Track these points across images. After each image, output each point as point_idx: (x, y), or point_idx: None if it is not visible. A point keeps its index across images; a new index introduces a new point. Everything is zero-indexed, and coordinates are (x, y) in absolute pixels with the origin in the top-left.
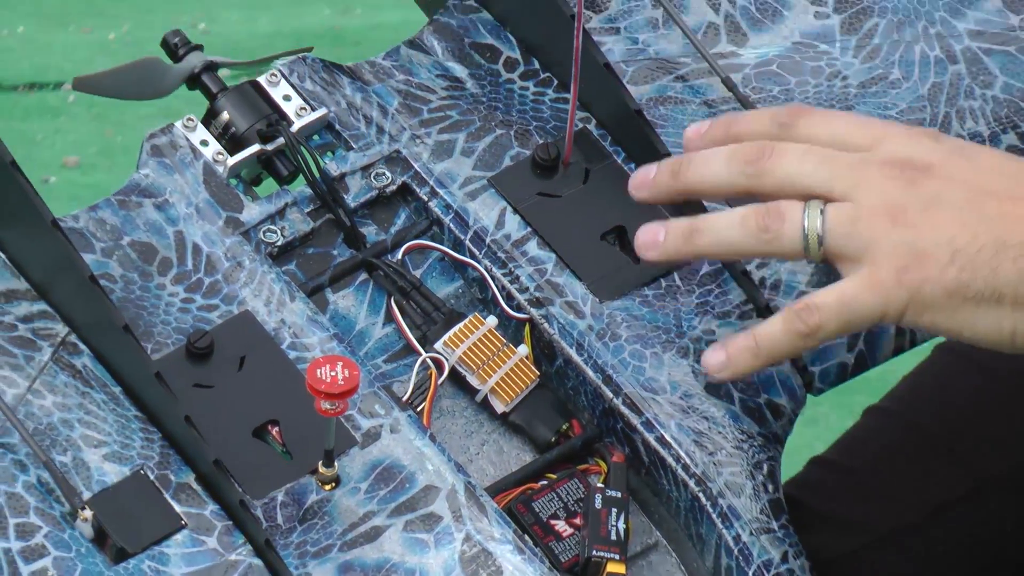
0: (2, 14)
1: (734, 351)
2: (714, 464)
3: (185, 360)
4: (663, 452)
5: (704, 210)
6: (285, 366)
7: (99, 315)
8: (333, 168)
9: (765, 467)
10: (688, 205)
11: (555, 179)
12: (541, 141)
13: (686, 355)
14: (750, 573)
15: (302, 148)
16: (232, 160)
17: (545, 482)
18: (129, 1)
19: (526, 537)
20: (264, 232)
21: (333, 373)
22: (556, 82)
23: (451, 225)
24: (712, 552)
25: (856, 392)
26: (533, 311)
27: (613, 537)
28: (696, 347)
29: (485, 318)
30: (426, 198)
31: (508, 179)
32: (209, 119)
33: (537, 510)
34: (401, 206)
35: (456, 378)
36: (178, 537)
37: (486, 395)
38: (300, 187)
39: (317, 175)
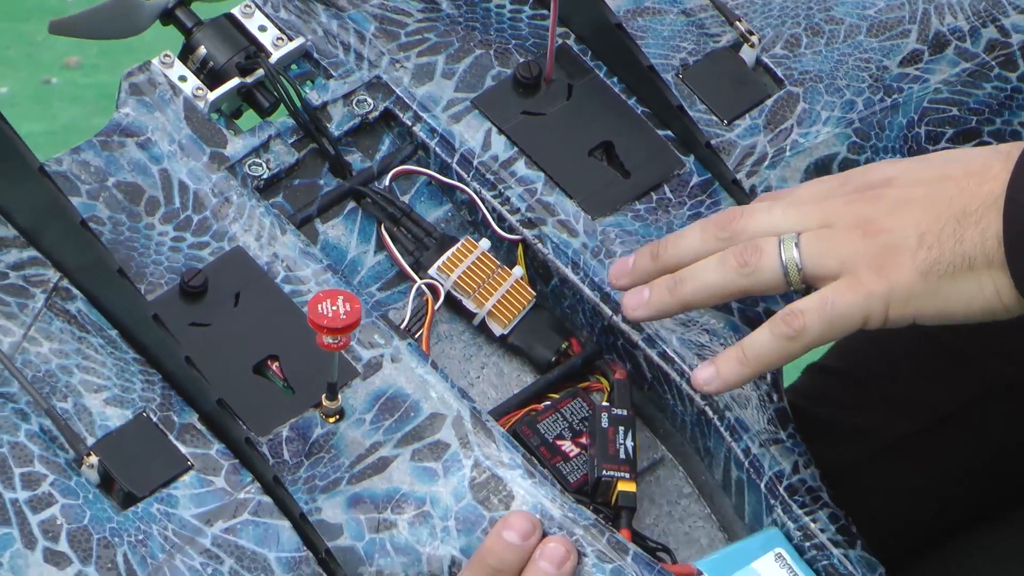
0: None
1: (722, 362)
2: None
3: (180, 299)
4: (666, 367)
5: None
6: (281, 300)
7: (92, 259)
8: (314, 97)
9: (768, 376)
10: (674, 124)
11: (538, 97)
12: (522, 60)
13: None
14: (762, 485)
15: (283, 79)
16: (213, 95)
17: (548, 403)
18: None
19: (535, 460)
20: (249, 166)
21: (334, 308)
22: None
23: (437, 149)
24: (721, 465)
25: None
26: (526, 232)
27: (622, 456)
28: None
29: (477, 241)
30: (410, 123)
31: (491, 100)
32: (186, 54)
33: (542, 431)
34: (385, 132)
35: (452, 303)
36: (185, 478)
37: (484, 318)
38: (282, 118)
39: (299, 106)
